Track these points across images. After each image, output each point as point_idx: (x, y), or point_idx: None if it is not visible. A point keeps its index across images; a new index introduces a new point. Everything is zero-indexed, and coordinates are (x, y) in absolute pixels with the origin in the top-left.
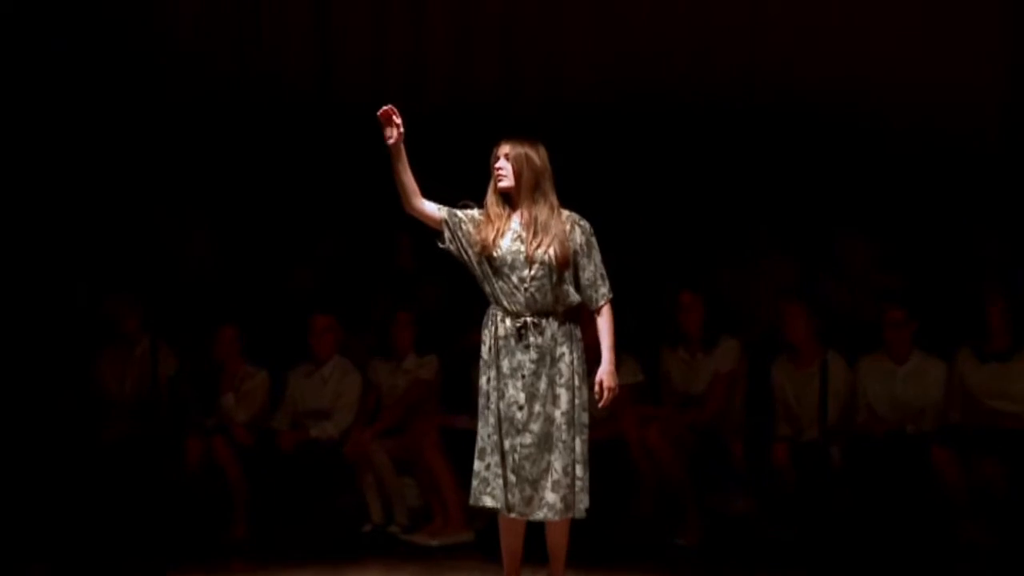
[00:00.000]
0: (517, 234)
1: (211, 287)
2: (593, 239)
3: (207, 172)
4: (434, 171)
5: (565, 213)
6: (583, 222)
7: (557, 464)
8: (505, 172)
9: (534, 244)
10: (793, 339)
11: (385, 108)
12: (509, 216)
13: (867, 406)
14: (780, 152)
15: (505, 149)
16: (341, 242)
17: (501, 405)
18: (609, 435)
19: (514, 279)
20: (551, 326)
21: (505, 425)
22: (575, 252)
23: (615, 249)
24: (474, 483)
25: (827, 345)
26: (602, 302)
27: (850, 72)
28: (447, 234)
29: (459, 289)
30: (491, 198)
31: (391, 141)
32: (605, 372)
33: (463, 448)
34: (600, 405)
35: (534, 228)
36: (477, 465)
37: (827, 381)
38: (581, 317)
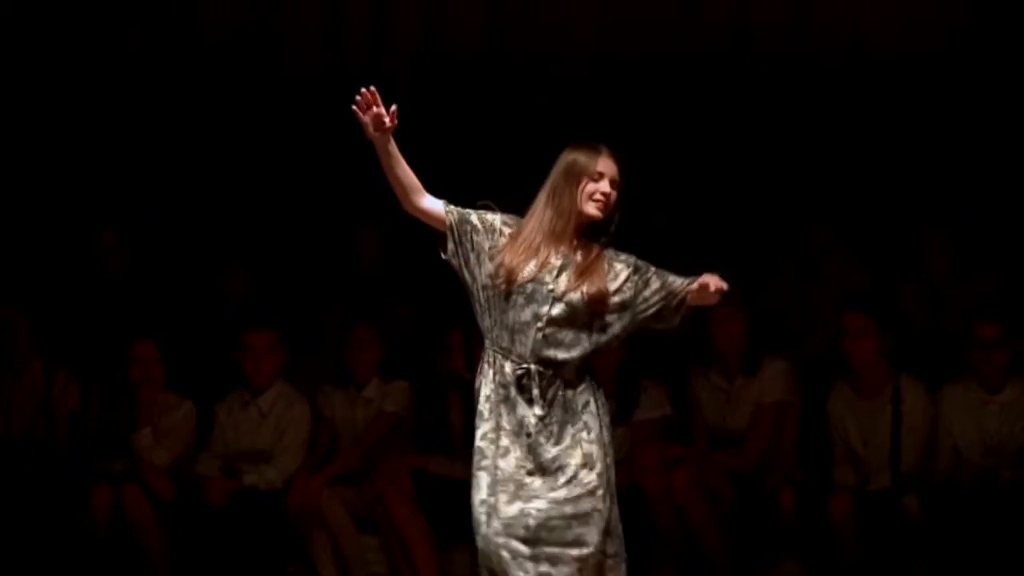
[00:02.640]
0: (549, 264)
1: (121, 296)
2: (641, 263)
3: (110, 154)
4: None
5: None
6: (626, 255)
7: (589, 537)
8: (610, 202)
9: (567, 280)
10: (857, 362)
11: (364, 93)
12: (556, 247)
13: (952, 447)
14: (842, 128)
15: (611, 168)
16: (284, 237)
17: (502, 465)
18: (623, 482)
19: (526, 314)
20: (566, 373)
21: (511, 488)
22: (627, 289)
23: (634, 250)
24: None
25: (900, 369)
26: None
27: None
28: (451, 244)
29: (434, 298)
30: (550, 218)
31: (378, 133)
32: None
33: (440, 498)
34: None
35: (579, 265)
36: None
37: (900, 415)
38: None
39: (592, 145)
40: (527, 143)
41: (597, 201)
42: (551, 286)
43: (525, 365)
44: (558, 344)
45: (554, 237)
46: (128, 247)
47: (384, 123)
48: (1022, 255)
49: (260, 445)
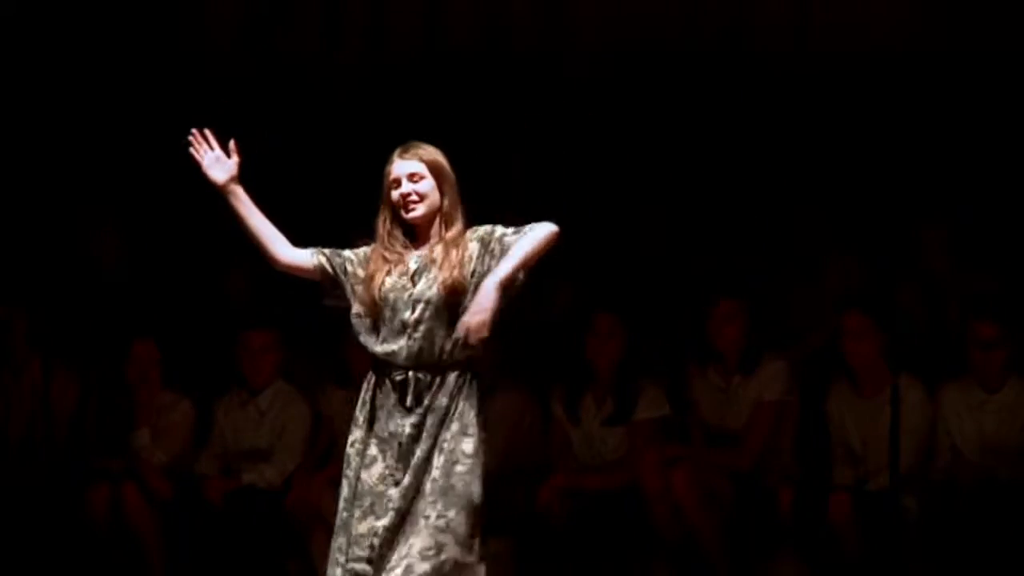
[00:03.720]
0: (406, 268)
1: (119, 296)
2: (497, 228)
3: (112, 151)
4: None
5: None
6: (480, 229)
7: (417, 544)
8: (416, 199)
9: (425, 280)
10: (855, 361)
11: (195, 134)
12: (406, 253)
13: (950, 446)
14: (841, 127)
15: (410, 166)
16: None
17: (365, 477)
18: (621, 482)
19: (395, 324)
20: (445, 380)
21: (367, 502)
22: (479, 262)
23: (630, 245)
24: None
25: (899, 368)
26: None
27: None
28: (328, 285)
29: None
30: (386, 229)
31: (222, 177)
32: (482, 292)
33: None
34: (463, 340)
35: (437, 260)
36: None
37: (899, 414)
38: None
39: (395, 152)
40: (527, 143)
41: (405, 205)
42: (410, 290)
43: (402, 372)
44: (431, 344)
45: (405, 244)
46: (126, 246)
47: (225, 162)
48: (1022, 255)
49: (259, 444)
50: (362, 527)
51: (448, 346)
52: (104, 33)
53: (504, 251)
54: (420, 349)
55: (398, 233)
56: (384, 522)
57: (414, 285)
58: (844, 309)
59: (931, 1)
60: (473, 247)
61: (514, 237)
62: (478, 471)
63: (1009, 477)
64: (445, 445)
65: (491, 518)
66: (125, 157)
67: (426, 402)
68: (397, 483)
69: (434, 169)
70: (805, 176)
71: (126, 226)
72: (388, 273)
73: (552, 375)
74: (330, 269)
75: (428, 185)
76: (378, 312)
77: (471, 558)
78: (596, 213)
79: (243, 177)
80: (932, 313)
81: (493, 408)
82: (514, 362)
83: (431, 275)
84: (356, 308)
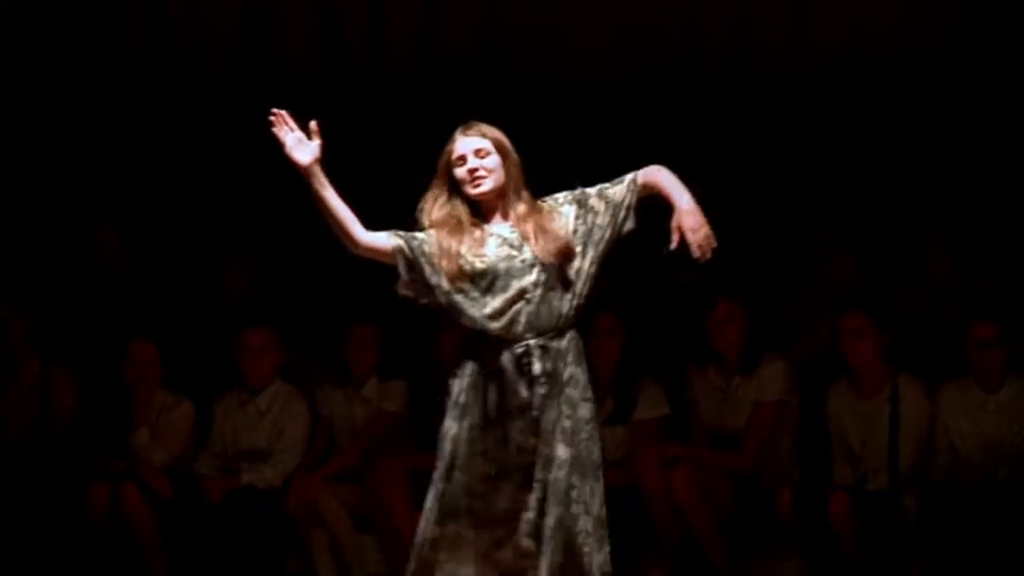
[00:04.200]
0: (503, 238)
1: (119, 295)
2: (587, 189)
3: (112, 151)
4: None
5: (543, 204)
6: (560, 195)
7: (575, 523)
8: (484, 173)
9: (532, 243)
10: (855, 361)
11: (276, 115)
12: (481, 226)
13: (949, 446)
14: (841, 128)
15: (475, 143)
16: (282, 236)
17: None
18: (622, 482)
19: (511, 292)
20: (561, 345)
21: (485, 485)
22: (580, 221)
23: (630, 246)
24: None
25: (899, 369)
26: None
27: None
28: (404, 270)
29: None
30: (449, 209)
31: (304, 158)
32: (683, 211)
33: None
34: (697, 253)
35: (524, 227)
36: (431, 531)
37: (899, 414)
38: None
39: (460, 128)
40: (526, 144)
41: (472, 181)
42: (521, 256)
43: (523, 344)
44: (547, 310)
45: (470, 222)
46: (126, 246)
47: (308, 144)
48: (1021, 255)
49: (258, 444)
50: (502, 504)
51: (564, 308)
52: (104, 33)
53: (610, 201)
54: (539, 314)
55: (463, 208)
56: (535, 495)
57: (522, 251)
58: (843, 310)
59: (931, 3)
60: (567, 210)
61: (616, 185)
62: (596, 434)
63: (1008, 477)
64: (566, 411)
65: None
66: (125, 157)
67: (549, 368)
68: (529, 457)
69: (498, 145)
70: (805, 177)
71: (126, 226)
72: (471, 245)
73: None
74: (408, 251)
75: (494, 161)
76: (477, 285)
77: (601, 529)
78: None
79: (244, 176)
80: (932, 313)
81: None
82: None
83: (537, 241)
84: (446, 285)
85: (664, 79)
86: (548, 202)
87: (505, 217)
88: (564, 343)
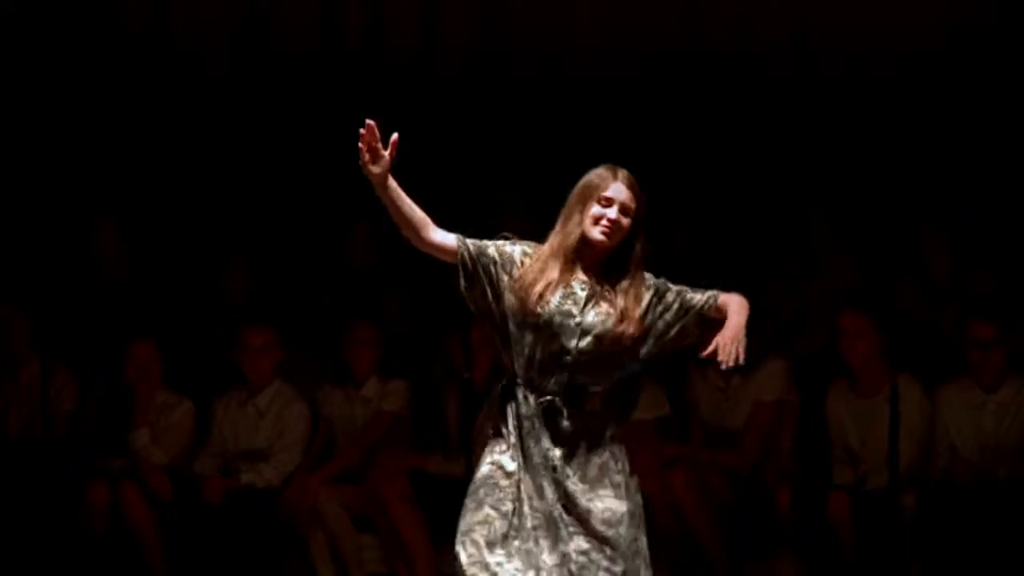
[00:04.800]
0: (574, 294)
1: (118, 295)
2: (670, 284)
3: (112, 150)
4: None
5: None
6: (650, 278)
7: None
8: (616, 229)
9: (595, 313)
10: (854, 361)
11: (368, 126)
12: (574, 274)
13: (949, 446)
14: (841, 128)
15: (624, 195)
16: (282, 235)
17: (533, 503)
18: None
19: (553, 346)
20: (592, 405)
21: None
22: (649, 315)
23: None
24: None
25: (898, 368)
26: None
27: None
28: (463, 279)
29: (429, 295)
30: (574, 240)
31: (376, 168)
32: (729, 325)
33: (437, 497)
34: (722, 359)
35: (615, 297)
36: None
37: (898, 414)
38: None
39: (610, 168)
40: (525, 146)
41: (602, 226)
42: (578, 319)
43: (549, 397)
44: (586, 375)
45: (567, 262)
46: (125, 244)
47: (383, 156)
48: (1020, 255)
49: (258, 444)
50: (544, 557)
51: (595, 381)
52: (104, 33)
53: (684, 306)
54: (571, 376)
55: (578, 249)
56: (576, 545)
57: (583, 314)
58: (842, 309)
59: (931, 3)
60: (647, 294)
61: (699, 295)
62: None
63: (1008, 476)
64: (614, 466)
65: None
66: (125, 157)
67: (574, 428)
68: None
69: (639, 214)
70: (805, 177)
71: (126, 226)
72: (552, 289)
73: None
74: (470, 265)
75: (628, 224)
76: (533, 325)
77: None
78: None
79: (244, 175)
80: (931, 313)
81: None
82: None
83: (602, 308)
84: (504, 313)
85: (664, 79)
86: (647, 281)
87: (588, 271)
88: (593, 407)
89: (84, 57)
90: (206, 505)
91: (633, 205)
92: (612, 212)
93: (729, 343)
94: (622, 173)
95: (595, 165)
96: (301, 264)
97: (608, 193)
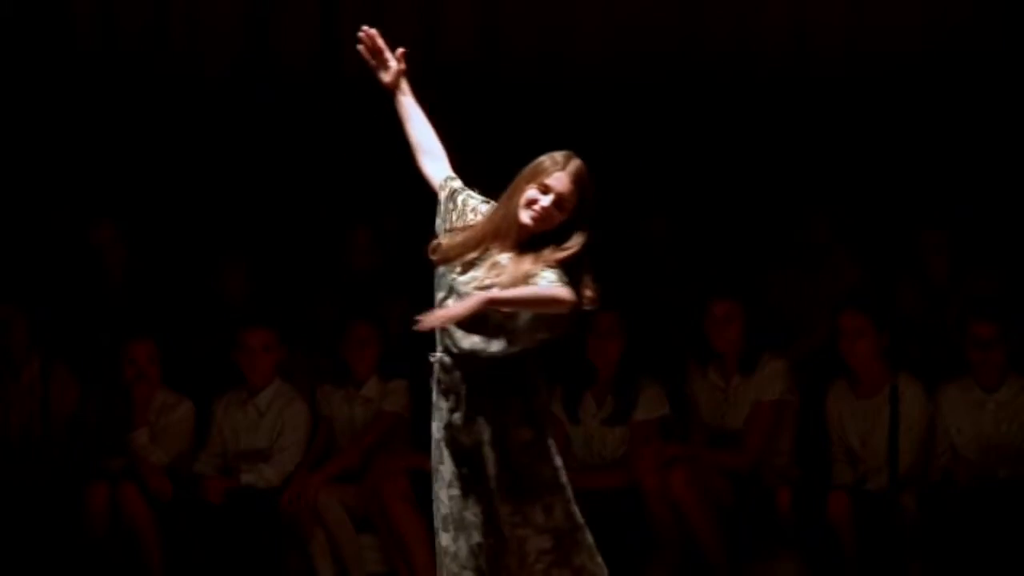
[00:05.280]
0: (479, 258)
1: (118, 295)
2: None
3: (111, 151)
4: None
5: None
6: (555, 272)
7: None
8: (544, 218)
9: (472, 275)
10: (854, 361)
11: (364, 35)
12: (496, 247)
13: (949, 446)
14: (841, 128)
15: (565, 188)
16: (282, 235)
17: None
18: (621, 481)
19: (436, 300)
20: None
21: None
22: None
23: (630, 245)
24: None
25: (898, 369)
26: None
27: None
28: (438, 217)
29: (429, 296)
30: (500, 212)
31: (388, 78)
32: (472, 298)
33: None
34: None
35: (501, 264)
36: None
37: (898, 414)
38: None
39: (565, 156)
40: (525, 145)
41: (532, 211)
42: (453, 276)
43: (438, 354)
44: (457, 334)
45: (497, 236)
46: (126, 246)
47: (391, 66)
48: (1020, 255)
49: (258, 444)
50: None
51: (492, 348)
52: (104, 32)
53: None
54: (443, 333)
55: (510, 225)
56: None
57: (460, 274)
58: (842, 310)
59: (930, 4)
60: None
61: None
62: (545, 453)
63: (1008, 476)
64: (499, 434)
65: None
66: (124, 157)
67: (458, 391)
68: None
69: (579, 211)
70: (805, 177)
71: (126, 226)
72: (468, 252)
73: (550, 375)
74: (442, 207)
75: (559, 218)
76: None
77: (568, 540)
78: (596, 212)
79: (244, 178)
80: (931, 313)
81: None
82: None
83: (478, 273)
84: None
85: (664, 80)
86: (543, 265)
87: (512, 248)
88: (473, 371)
89: (83, 57)
90: (206, 505)
91: (572, 201)
92: (546, 201)
93: (435, 315)
94: (573, 164)
95: (596, 166)
96: (302, 265)
97: (549, 181)
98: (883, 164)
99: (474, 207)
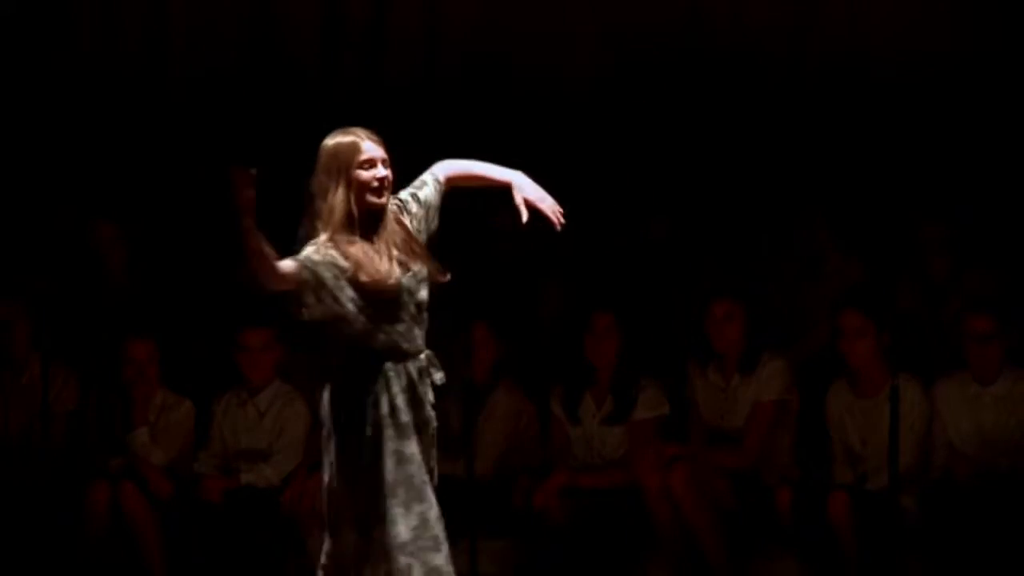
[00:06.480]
0: (389, 254)
1: (119, 295)
2: (402, 194)
3: (112, 150)
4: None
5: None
6: (394, 201)
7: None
8: (389, 186)
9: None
10: (854, 361)
11: (241, 173)
12: (371, 240)
13: (947, 441)
14: (841, 128)
15: (379, 151)
16: (282, 235)
17: (399, 470)
18: (621, 481)
19: (412, 308)
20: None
21: (408, 494)
22: (425, 220)
23: (630, 244)
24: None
25: (898, 368)
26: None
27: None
28: (310, 296)
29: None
30: (354, 212)
31: (250, 221)
32: (521, 185)
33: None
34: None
35: (401, 245)
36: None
37: (898, 414)
38: None
39: (349, 131)
40: (525, 146)
41: (382, 188)
42: (413, 272)
43: (422, 357)
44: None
45: (361, 234)
46: (126, 245)
47: (253, 201)
48: (1020, 253)
49: (257, 444)
50: (413, 518)
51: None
52: (104, 31)
53: (424, 205)
54: (421, 328)
55: (357, 218)
56: (436, 508)
57: (409, 268)
58: (842, 309)
59: (931, 2)
60: (409, 222)
61: (420, 185)
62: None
63: (1008, 469)
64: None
65: (490, 518)
66: (125, 157)
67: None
68: (431, 471)
69: (389, 160)
70: (805, 176)
71: (126, 226)
72: (383, 258)
73: (550, 375)
74: (313, 282)
75: (391, 175)
76: (391, 299)
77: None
78: (595, 212)
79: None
80: (931, 313)
81: (491, 408)
82: (511, 362)
83: (415, 267)
84: (351, 308)
85: (664, 80)
86: (393, 210)
87: (377, 231)
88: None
89: (84, 57)
90: (206, 505)
91: (384, 156)
92: (381, 171)
93: (543, 202)
94: (362, 131)
95: (596, 163)
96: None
97: (367, 155)
98: (883, 164)
99: (328, 255)
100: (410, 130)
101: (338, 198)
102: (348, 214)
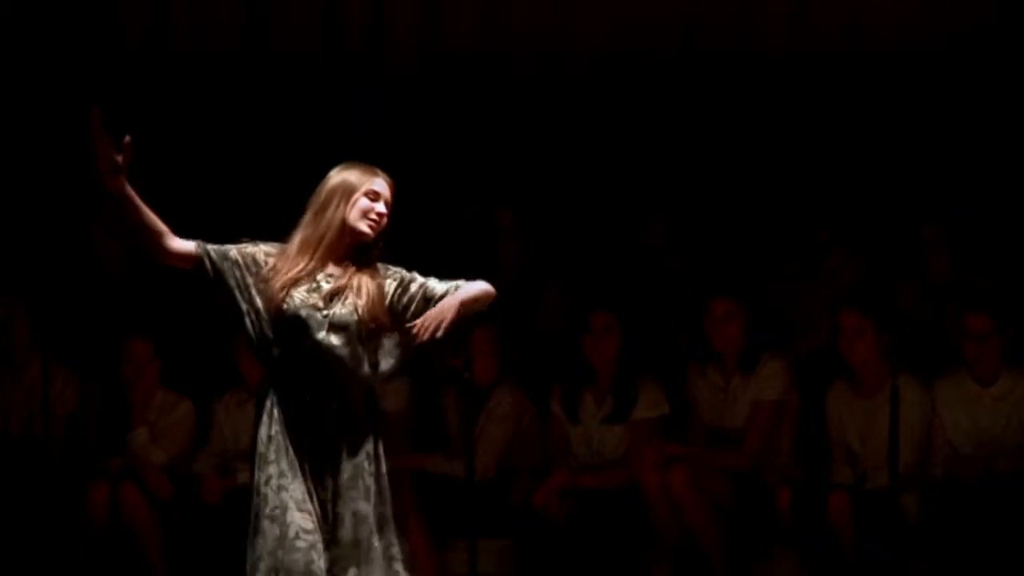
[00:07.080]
0: (320, 288)
1: (119, 295)
2: (415, 274)
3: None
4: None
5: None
6: (393, 268)
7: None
8: (381, 224)
9: (341, 305)
10: (854, 361)
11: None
12: (324, 268)
13: (946, 441)
14: (840, 127)
15: (387, 192)
16: (281, 235)
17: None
18: (621, 481)
19: (305, 343)
20: (352, 401)
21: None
22: (394, 297)
23: (629, 244)
24: None
25: (898, 368)
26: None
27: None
28: (205, 280)
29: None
30: (331, 238)
31: (114, 182)
32: (444, 304)
33: (437, 496)
34: (416, 332)
35: (356, 288)
36: None
37: (898, 413)
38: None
39: (367, 166)
40: (525, 142)
41: (371, 220)
42: (325, 312)
43: (308, 397)
44: (340, 372)
45: (316, 257)
46: (125, 245)
47: (118, 164)
48: (1020, 253)
49: None
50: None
51: (363, 372)
52: (104, 31)
53: (426, 295)
54: (330, 373)
55: (333, 242)
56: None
57: (329, 307)
58: (842, 309)
59: (931, 3)
60: (390, 284)
61: (442, 285)
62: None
63: (1006, 471)
64: (368, 468)
65: (490, 518)
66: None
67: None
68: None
69: (391, 207)
70: (805, 175)
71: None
72: (299, 284)
73: (550, 374)
74: (211, 271)
75: (386, 221)
76: (280, 323)
77: None
78: (595, 212)
79: (244, 177)
80: (931, 312)
81: (491, 408)
82: (511, 362)
83: (349, 301)
84: (255, 313)
85: (663, 78)
86: (389, 270)
87: (337, 264)
88: (353, 404)
89: (84, 57)
90: (205, 505)
91: (390, 203)
92: (380, 206)
93: (431, 319)
94: (381, 172)
95: (596, 161)
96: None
97: (376, 188)
98: (883, 163)
99: (259, 253)
100: (410, 130)
101: (336, 214)
102: (322, 233)
